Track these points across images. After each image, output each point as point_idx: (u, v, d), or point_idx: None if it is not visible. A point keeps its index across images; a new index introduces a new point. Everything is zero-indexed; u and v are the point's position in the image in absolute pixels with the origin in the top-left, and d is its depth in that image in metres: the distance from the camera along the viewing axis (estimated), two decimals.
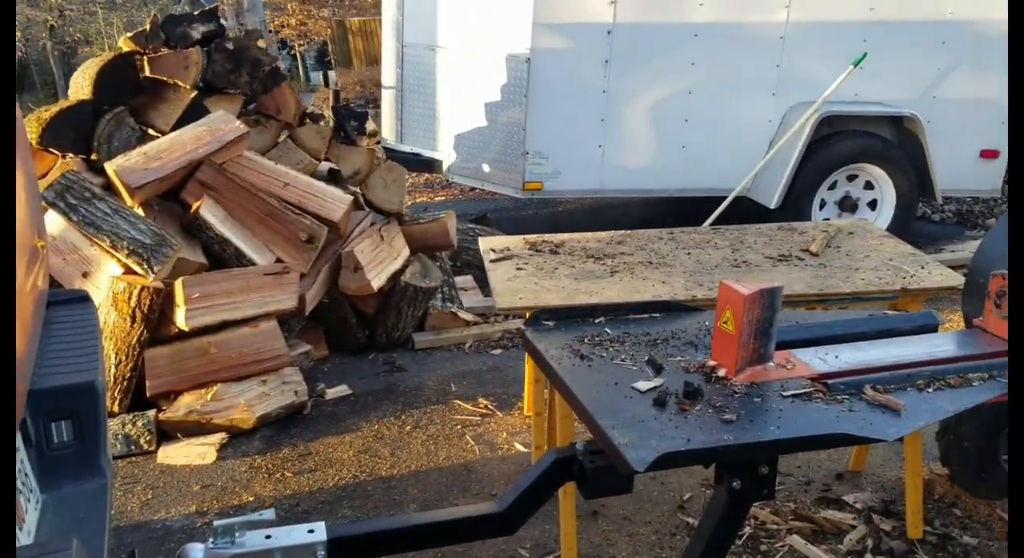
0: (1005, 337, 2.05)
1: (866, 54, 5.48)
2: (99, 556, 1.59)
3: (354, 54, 17.30)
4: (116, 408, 3.53)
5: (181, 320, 3.47)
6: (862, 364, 1.97)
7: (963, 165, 6.01)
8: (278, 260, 3.85)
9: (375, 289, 4.21)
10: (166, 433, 3.55)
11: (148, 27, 4.30)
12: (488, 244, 3.30)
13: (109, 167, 3.61)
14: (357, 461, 3.43)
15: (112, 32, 16.98)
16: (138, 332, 3.43)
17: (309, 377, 4.00)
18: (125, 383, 3.52)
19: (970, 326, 2.29)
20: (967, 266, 2.61)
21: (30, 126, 3.75)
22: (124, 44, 4.33)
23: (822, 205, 5.94)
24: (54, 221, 3.47)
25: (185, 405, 3.54)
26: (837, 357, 2.01)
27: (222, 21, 4.49)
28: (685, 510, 3.00)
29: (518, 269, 3.02)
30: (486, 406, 3.87)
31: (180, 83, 4.09)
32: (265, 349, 3.68)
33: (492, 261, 3.12)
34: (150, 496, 3.19)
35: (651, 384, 1.87)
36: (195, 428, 3.53)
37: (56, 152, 3.85)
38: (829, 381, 1.88)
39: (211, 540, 1.72)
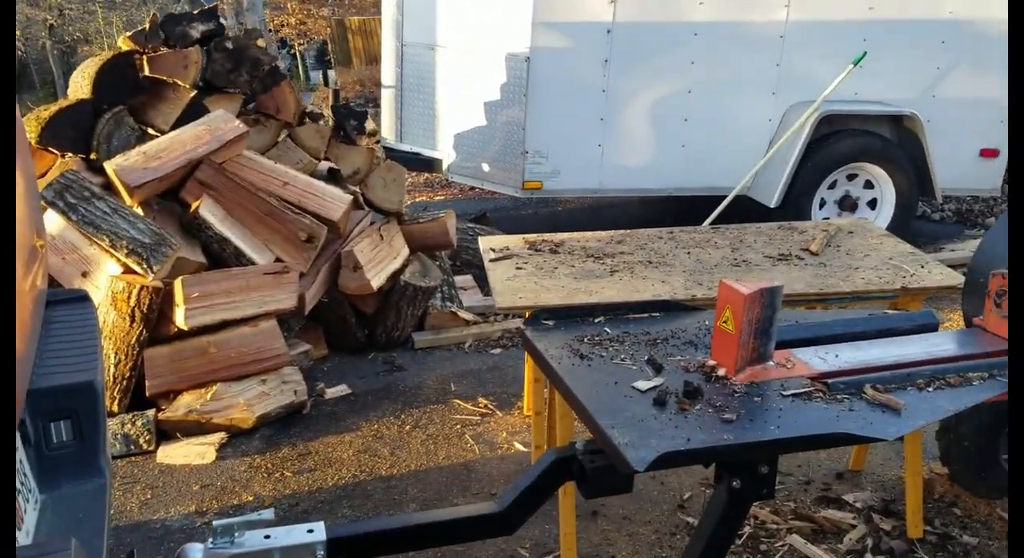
0: (1005, 336, 2.05)
1: (866, 53, 5.48)
2: (98, 556, 1.59)
3: (354, 53, 17.29)
4: (115, 408, 3.53)
5: (180, 319, 3.47)
6: (862, 363, 1.96)
7: (963, 164, 6.00)
8: (278, 259, 3.85)
9: (375, 288, 4.20)
10: (165, 433, 3.55)
11: (147, 26, 4.29)
12: (488, 243, 3.30)
13: (108, 166, 3.60)
14: (357, 461, 3.42)
15: (111, 31, 16.97)
16: (137, 331, 3.43)
17: (309, 377, 4.00)
18: (124, 383, 3.52)
19: (970, 325, 2.29)
20: (967, 265, 2.61)
21: (29, 125, 3.74)
22: (123, 43, 4.33)
23: (822, 204, 5.94)
24: (53, 220, 3.46)
25: (184, 405, 3.54)
26: (837, 356, 2.01)
27: (221, 20, 4.49)
28: (685, 509, 3.00)
29: (518, 268, 3.02)
30: (486, 405, 3.86)
31: (179, 82, 4.09)
32: (265, 348, 3.68)
33: (492, 260, 3.11)
34: (149, 496, 3.19)
35: (651, 384, 1.87)
36: (194, 428, 3.53)
37: (55, 151, 3.85)
38: (829, 380, 1.87)
39: (210, 540, 1.72)
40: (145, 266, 3.40)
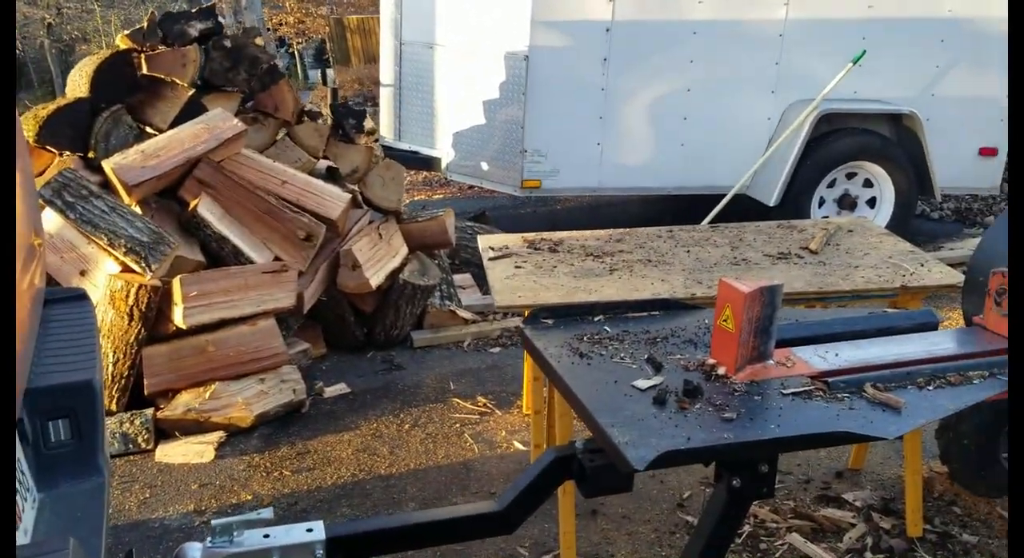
0: (1005, 335, 2.05)
1: (865, 51, 5.47)
2: (97, 555, 1.58)
3: (352, 52, 17.28)
4: (114, 406, 3.52)
5: (179, 318, 3.46)
6: (862, 362, 1.96)
7: (962, 163, 6.00)
8: (276, 258, 3.84)
9: (373, 287, 4.20)
10: (164, 432, 3.54)
11: (146, 25, 4.29)
12: (487, 242, 3.29)
13: (106, 165, 3.60)
14: (356, 460, 3.42)
15: (110, 30, 16.95)
16: (136, 330, 3.43)
17: (307, 375, 3.99)
18: (123, 381, 3.52)
19: (970, 324, 2.29)
20: (966, 264, 2.61)
21: (27, 124, 3.74)
22: (121, 42, 4.32)
23: (821, 203, 5.94)
24: (51, 219, 3.45)
25: (183, 403, 3.53)
26: (837, 355, 2.01)
27: (220, 19, 4.48)
28: (684, 508, 2.99)
29: (517, 267, 3.01)
30: (485, 404, 3.86)
31: (178, 81, 4.08)
32: (263, 347, 3.67)
33: (491, 259, 3.11)
34: (148, 495, 3.18)
35: (651, 382, 1.87)
36: (193, 427, 3.52)
37: (53, 150, 3.84)
38: (829, 379, 1.87)
39: (209, 539, 1.71)
40: (143, 265, 3.40)
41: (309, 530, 1.77)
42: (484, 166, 5.88)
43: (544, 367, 2.08)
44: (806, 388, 1.84)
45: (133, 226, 3.47)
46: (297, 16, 17.34)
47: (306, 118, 4.68)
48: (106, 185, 3.67)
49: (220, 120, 3.90)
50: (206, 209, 3.71)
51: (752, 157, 5.75)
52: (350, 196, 4.19)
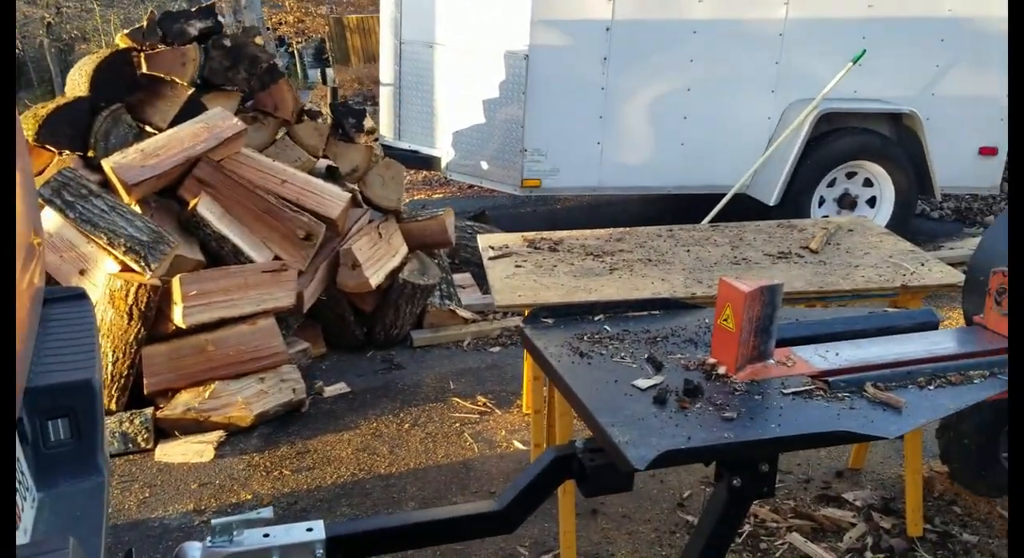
0: (1005, 334, 2.05)
1: (865, 51, 5.47)
2: (96, 555, 1.58)
3: (352, 51, 17.27)
4: (113, 406, 3.52)
5: (179, 317, 3.46)
6: (862, 361, 1.96)
7: (962, 162, 6.00)
8: (276, 257, 3.84)
9: (373, 287, 4.20)
10: (163, 431, 3.54)
11: (145, 24, 4.28)
12: (486, 241, 3.29)
13: (106, 164, 3.59)
14: (355, 459, 3.42)
15: (109, 29, 16.95)
16: (135, 329, 3.42)
17: (307, 375, 3.99)
18: (122, 381, 3.51)
19: (970, 323, 2.29)
20: (966, 263, 2.61)
21: (27, 123, 3.73)
22: (121, 41, 4.32)
23: (821, 202, 5.94)
24: (51, 218, 3.45)
25: (183, 403, 3.53)
26: (837, 355, 2.00)
27: (219, 18, 4.48)
28: (684, 508, 2.99)
29: (517, 266, 3.01)
30: (485, 404, 3.86)
31: (177, 80, 4.08)
32: (263, 347, 3.67)
33: (491, 258, 3.11)
34: (147, 494, 3.18)
35: (651, 382, 1.87)
36: (193, 426, 3.52)
37: (53, 149, 3.84)
38: (830, 379, 1.87)
39: (209, 538, 1.71)
40: (143, 264, 3.39)
41: (309, 529, 1.76)
42: (484, 165, 5.88)
43: (544, 366, 2.08)
44: (807, 387, 1.84)
45: (133, 225, 3.46)
46: (297, 15, 17.34)
47: (306, 117, 4.67)
48: (105, 184, 3.67)
49: (220, 119, 3.90)
50: (206, 208, 3.70)
51: (752, 156, 5.75)
52: (350, 195, 4.18)
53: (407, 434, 3.61)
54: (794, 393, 1.82)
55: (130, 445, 3.45)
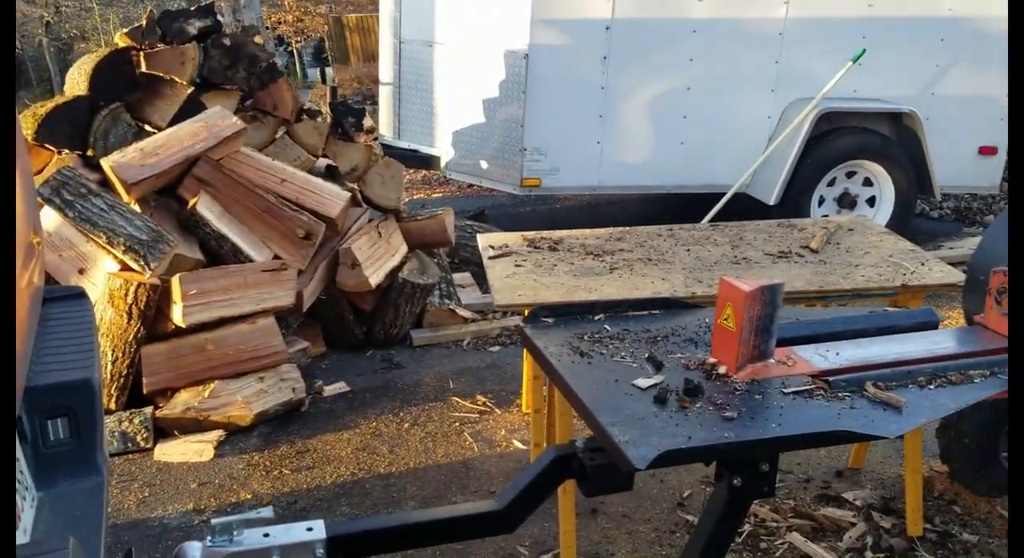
0: (1006, 334, 2.05)
1: (865, 50, 5.47)
2: (96, 554, 1.58)
3: (351, 50, 17.27)
4: (113, 405, 3.52)
5: (178, 317, 3.46)
6: (863, 361, 1.96)
7: (962, 162, 6.01)
8: (275, 257, 3.84)
9: (373, 286, 4.19)
10: (163, 430, 3.54)
11: (144, 23, 4.28)
12: (486, 241, 3.29)
13: (105, 163, 3.59)
14: (355, 458, 3.42)
15: (108, 28, 16.94)
16: (135, 329, 3.42)
17: (307, 374, 3.99)
18: (122, 380, 3.51)
19: (971, 323, 2.29)
20: (966, 263, 2.61)
21: (26, 122, 3.73)
22: (120, 40, 4.31)
23: (821, 202, 5.94)
24: (50, 217, 3.45)
25: (182, 402, 3.53)
26: (838, 354, 2.00)
27: (219, 17, 4.48)
28: (685, 507, 2.99)
29: (516, 266, 3.01)
30: (484, 403, 3.86)
31: (176, 79, 4.07)
32: (263, 346, 3.67)
33: (490, 258, 3.10)
34: (147, 494, 3.18)
35: (651, 381, 1.86)
36: (192, 425, 3.52)
37: (52, 148, 3.83)
38: (830, 378, 1.87)
39: (209, 538, 1.71)
40: (142, 263, 3.39)
41: (309, 529, 1.76)
42: (483, 164, 5.88)
43: (544, 366, 2.07)
44: (807, 387, 1.84)
45: (132, 224, 3.46)
46: (296, 14, 17.32)
47: (305, 116, 4.67)
48: (105, 183, 3.66)
49: (219, 118, 3.89)
50: (205, 207, 3.70)
51: (752, 156, 5.74)
52: (349, 194, 4.18)
53: (407, 433, 3.61)
54: (794, 393, 1.82)
55: (129, 444, 3.45)
